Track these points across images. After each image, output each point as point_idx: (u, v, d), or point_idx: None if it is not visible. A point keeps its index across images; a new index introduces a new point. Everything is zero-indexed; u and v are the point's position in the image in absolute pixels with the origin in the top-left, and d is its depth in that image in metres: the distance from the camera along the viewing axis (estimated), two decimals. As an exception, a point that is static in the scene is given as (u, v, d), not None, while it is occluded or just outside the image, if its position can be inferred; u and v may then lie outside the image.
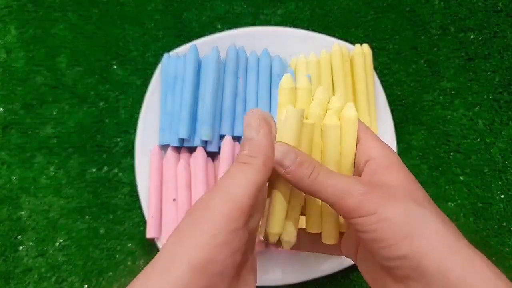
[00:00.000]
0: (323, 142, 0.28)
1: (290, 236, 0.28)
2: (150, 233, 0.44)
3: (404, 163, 0.51)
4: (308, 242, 0.31)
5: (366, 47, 0.48)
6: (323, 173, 0.26)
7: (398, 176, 0.26)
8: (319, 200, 0.28)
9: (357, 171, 0.29)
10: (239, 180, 0.24)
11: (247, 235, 0.24)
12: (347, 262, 0.44)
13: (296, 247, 0.30)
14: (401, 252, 0.24)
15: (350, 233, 0.30)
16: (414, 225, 0.24)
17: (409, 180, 0.27)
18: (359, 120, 0.29)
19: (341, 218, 0.30)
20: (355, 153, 0.28)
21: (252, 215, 0.25)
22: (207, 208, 0.23)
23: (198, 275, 0.21)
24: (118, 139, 0.50)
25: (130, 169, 0.49)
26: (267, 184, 0.28)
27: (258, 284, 0.44)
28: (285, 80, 0.28)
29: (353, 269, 0.47)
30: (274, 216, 0.27)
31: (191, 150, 0.46)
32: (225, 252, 0.22)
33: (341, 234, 0.30)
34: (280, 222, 0.28)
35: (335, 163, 0.28)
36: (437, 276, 0.23)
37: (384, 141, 0.30)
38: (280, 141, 0.26)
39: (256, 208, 0.25)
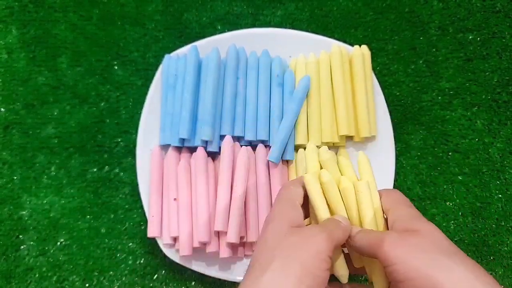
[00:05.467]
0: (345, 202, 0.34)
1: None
2: (151, 232, 0.44)
3: (403, 163, 0.51)
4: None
5: (365, 49, 0.48)
6: (360, 234, 0.31)
7: (423, 225, 0.29)
8: None
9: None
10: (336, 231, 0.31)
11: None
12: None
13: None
14: None
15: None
16: (439, 275, 0.25)
17: (434, 228, 0.29)
18: (384, 192, 0.34)
19: None
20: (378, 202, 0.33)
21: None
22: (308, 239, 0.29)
23: (305, 277, 0.27)
24: (119, 139, 0.50)
25: (131, 169, 0.49)
26: None
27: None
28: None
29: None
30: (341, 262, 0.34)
31: (192, 150, 0.46)
32: (323, 269, 0.28)
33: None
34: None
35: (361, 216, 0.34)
36: None
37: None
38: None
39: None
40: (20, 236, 0.48)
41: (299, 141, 0.46)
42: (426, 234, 0.28)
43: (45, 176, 0.49)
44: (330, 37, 0.49)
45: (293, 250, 0.28)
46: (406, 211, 0.31)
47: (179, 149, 0.47)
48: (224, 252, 0.43)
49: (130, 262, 0.48)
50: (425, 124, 0.51)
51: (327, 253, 0.28)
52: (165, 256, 0.46)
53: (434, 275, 0.25)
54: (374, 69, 0.49)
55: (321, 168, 0.35)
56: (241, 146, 0.45)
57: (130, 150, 0.50)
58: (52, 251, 0.48)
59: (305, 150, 0.40)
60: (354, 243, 0.31)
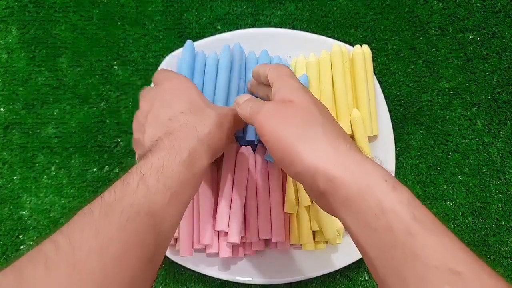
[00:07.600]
0: None
1: None
2: (151, 233, 0.44)
3: (403, 163, 0.51)
4: None
5: (366, 48, 0.48)
6: (245, 103, 0.34)
7: (298, 96, 0.31)
8: None
9: None
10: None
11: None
12: (346, 261, 0.44)
13: None
14: (295, 170, 0.27)
15: None
16: (301, 145, 0.27)
17: (308, 99, 0.30)
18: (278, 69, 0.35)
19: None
20: None
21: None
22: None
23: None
24: (119, 139, 0.50)
25: (131, 169, 0.49)
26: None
27: (260, 282, 0.44)
28: None
29: (352, 267, 0.47)
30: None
31: (192, 150, 0.46)
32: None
33: None
34: None
35: None
36: (329, 184, 0.26)
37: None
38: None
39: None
40: (20, 236, 0.48)
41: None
42: (300, 105, 0.30)
43: (45, 176, 0.49)
44: (330, 37, 0.49)
45: None
46: (288, 82, 0.33)
47: (179, 149, 0.47)
48: (224, 252, 0.43)
49: (130, 262, 0.48)
50: (425, 124, 0.51)
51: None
52: (165, 256, 0.46)
53: (297, 144, 0.27)
54: (374, 69, 0.49)
55: None
56: (241, 146, 0.46)
57: (130, 150, 0.50)
58: (52, 251, 0.48)
59: None
60: (240, 111, 0.34)
